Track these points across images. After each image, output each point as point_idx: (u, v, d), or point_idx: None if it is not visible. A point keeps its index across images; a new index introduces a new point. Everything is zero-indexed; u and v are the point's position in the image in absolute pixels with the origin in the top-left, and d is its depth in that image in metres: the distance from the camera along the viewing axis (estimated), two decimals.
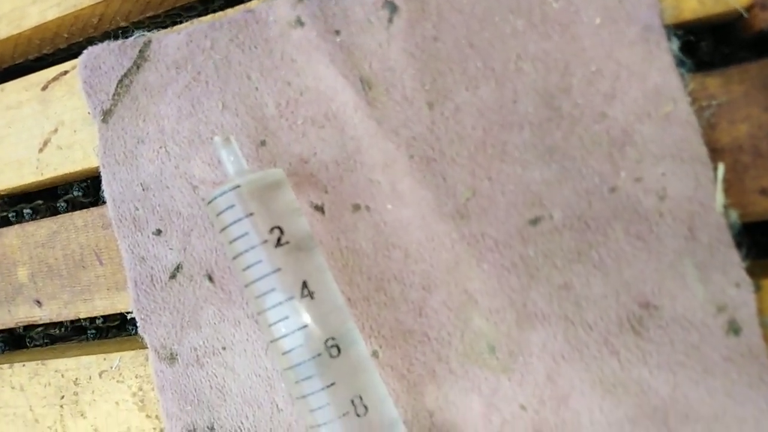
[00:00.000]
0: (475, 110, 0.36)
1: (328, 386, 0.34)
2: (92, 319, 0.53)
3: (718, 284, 0.33)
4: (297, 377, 0.35)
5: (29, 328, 0.55)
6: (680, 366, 0.34)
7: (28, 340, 0.55)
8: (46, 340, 0.54)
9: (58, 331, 0.53)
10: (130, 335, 0.51)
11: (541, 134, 0.35)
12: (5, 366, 0.50)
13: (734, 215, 0.33)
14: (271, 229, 0.35)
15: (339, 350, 0.35)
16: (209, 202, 0.36)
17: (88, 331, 0.54)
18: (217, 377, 0.42)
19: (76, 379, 0.47)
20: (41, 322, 0.49)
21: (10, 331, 0.56)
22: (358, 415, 0.35)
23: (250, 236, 0.35)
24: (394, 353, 0.38)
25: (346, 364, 0.35)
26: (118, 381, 0.46)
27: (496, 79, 0.36)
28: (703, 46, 0.37)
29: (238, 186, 0.36)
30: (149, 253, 0.43)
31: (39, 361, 0.49)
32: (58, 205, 0.52)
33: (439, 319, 0.37)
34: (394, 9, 0.37)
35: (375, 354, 0.39)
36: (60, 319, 0.48)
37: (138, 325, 0.43)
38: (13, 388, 0.49)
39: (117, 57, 0.43)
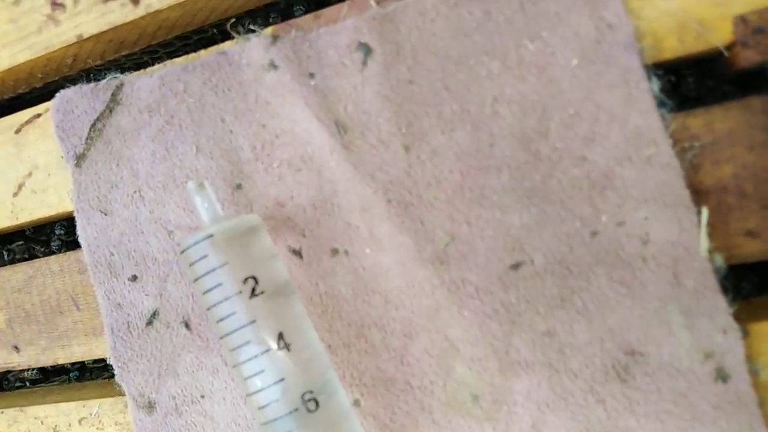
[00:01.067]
0: (452, 154, 0.35)
1: None
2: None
3: (704, 330, 0.32)
4: None
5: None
6: (668, 414, 0.33)
7: (5, 382, 0.54)
8: (18, 384, 0.53)
9: (29, 374, 0.52)
10: (112, 377, 0.51)
11: (520, 178, 0.34)
12: None
13: (720, 259, 0.32)
14: (246, 279, 0.34)
15: (317, 404, 0.34)
16: (182, 252, 0.35)
17: (71, 373, 0.53)
18: (196, 426, 0.41)
19: (56, 426, 0.46)
20: (19, 368, 0.48)
21: None
22: None
23: (223, 287, 0.34)
24: (376, 402, 0.37)
25: (325, 418, 0.34)
26: (98, 428, 0.45)
27: (472, 122, 0.35)
28: (689, 82, 0.36)
29: (211, 235, 0.35)
30: (125, 299, 0.42)
31: (18, 408, 0.48)
32: (51, 245, 0.51)
33: (421, 368, 0.36)
34: (368, 51, 0.37)
35: (357, 403, 0.38)
36: (38, 365, 0.47)
37: (115, 373, 0.42)
38: None
39: (89, 100, 0.42)
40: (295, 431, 0.34)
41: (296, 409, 0.34)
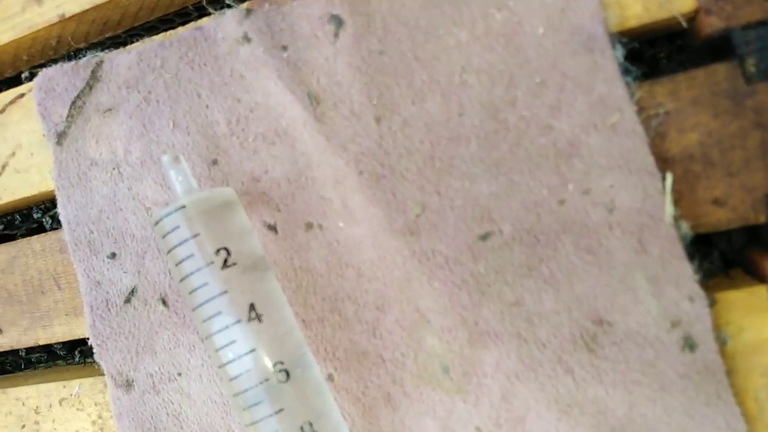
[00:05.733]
0: (423, 124, 0.37)
1: (276, 412, 0.35)
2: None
3: (671, 298, 0.34)
4: (245, 403, 0.36)
5: None
6: (636, 384, 0.34)
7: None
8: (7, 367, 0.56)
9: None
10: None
11: (488, 147, 0.36)
12: None
13: (685, 227, 0.34)
14: (217, 251, 0.37)
15: (288, 375, 0.36)
16: (155, 224, 0.38)
17: (59, 352, 0.56)
18: (173, 404, 0.43)
19: (37, 407, 0.49)
20: (2, 350, 0.51)
21: None
22: None
23: (195, 258, 0.36)
24: (349, 376, 0.39)
25: (296, 389, 0.36)
26: (78, 409, 0.47)
27: (441, 92, 0.37)
28: (661, 55, 0.38)
29: (184, 206, 0.37)
30: (104, 276, 0.44)
31: (0, 390, 0.50)
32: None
33: (393, 340, 0.38)
34: (339, 23, 0.39)
35: (331, 377, 0.39)
36: (20, 346, 0.50)
37: (94, 351, 0.45)
38: None
39: (70, 78, 0.45)
40: (265, 402, 0.35)
41: (267, 380, 0.35)
